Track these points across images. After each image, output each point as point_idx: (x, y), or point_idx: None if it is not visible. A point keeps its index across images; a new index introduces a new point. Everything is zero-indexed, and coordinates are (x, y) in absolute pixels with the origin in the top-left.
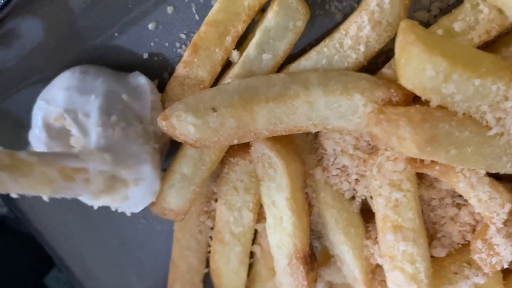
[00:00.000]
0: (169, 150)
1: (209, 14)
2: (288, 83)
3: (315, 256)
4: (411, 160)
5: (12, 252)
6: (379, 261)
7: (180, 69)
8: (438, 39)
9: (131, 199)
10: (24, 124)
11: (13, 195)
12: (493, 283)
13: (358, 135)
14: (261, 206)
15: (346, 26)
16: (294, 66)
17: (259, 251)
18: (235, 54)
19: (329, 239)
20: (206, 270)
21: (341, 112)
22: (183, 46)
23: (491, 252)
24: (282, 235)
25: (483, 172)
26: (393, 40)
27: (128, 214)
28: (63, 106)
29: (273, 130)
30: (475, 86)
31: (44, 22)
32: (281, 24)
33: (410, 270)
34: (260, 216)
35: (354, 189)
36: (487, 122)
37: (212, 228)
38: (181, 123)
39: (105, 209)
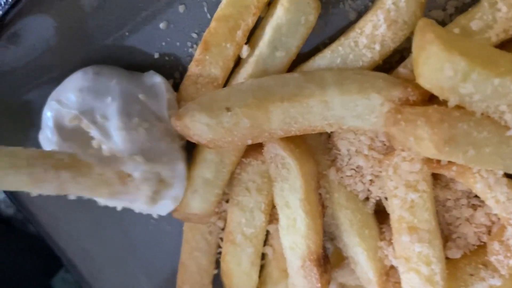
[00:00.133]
0: None
1: (218, 10)
2: (303, 82)
3: (328, 258)
4: (428, 161)
5: (18, 253)
6: (394, 263)
7: (192, 68)
8: (456, 38)
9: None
10: (34, 125)
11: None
12: (509, 285)
13: (373, 135)
14: (273, 207)
15: (361, 25)
16: (308, 65)
17: (271, 253)
18: (245, 49)
19: (343, 240)
20: (215, 272)
21: (357, 111)
22: (195, 46)
23: (508, 254)
24: (296, 237)
25: (501, 172)
26: (408, 39)
27: (155, 216)
28: (78, 107)
29: (287, 130)
30: (494, 85)
31: (54, 21)
32: (293, 20)
33: (425, 271)
34: (272, 217)
35: (369, 190)
36: (505, 122)
37: (222, 229)
38: (195, 123)
39: (114, 210)
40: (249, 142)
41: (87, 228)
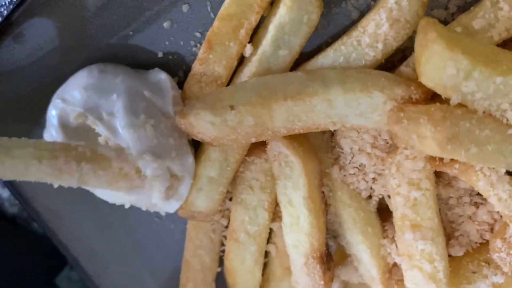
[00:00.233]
0: None
1: (222, 9)
2: (306, 81)
3: (331, 256)
4: (431, 159)
5: (23, 251)
6: (397, 260)
7: (196, 67)
8: (458, 37)
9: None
10: (39, 123)
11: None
12: None
13: (376, 133)
14: (276, 205)
15: (364, 24)
16: (311, 64)
17: (274, 251)
18: (248, 48)
19: (346, 238)
20: (219, 269)
21: (360, 110)
22: (198, 45)
23: (511, 251)
24: (299, 234)
25: (503, 170)
26: (410, 38)
27: (163, 214)
28: (83, 105)
29: (291, 128)
30: (496, 84)
31: (59, 21)
32: (296, 18)
33: (428, 269)
34: (275, 215)
35: (371, 188)
36: (507, 120)
37: (226, 227)
38: (199, 121)
39: (118, 208)
40: (253, 140)
41: (92, 226)
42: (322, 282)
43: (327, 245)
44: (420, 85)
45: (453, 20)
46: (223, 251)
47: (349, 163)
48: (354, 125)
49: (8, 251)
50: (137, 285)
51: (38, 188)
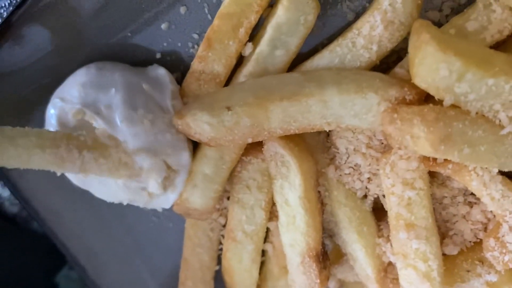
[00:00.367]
0: None
1: (221, 7)
2: (302, 82)
3: (327, 255)
4: (424, 159)
5: (22, 250)
6: (392, 259)
7: (195, 65)
8: (451, 39)
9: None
10: (38, 123)
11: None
12: (505, 281)
13: (371, 134)
14: (273, 205)
15: (359, 25)
16: (307, 65)
17: (271, 250)
18: (248, 47)
19: (342, 237)
20: (217, 268)
21: (355, 110)
22: (196, 46)
23: (504, 250)
24: (295, 234)
25: (496, 170)
26: (405, 39)
27: (160, 209)
28: (81, 102)
29: (287, 128)
30: (488, 85)
31: (58, 22)
32: (292, 19)
33: (422, 268)
34: (272, 214)
35: (367, 188)
36: (500, 121)
37: (224, 226)
38: (196, 122)
39: (117, 208)
40: (250, 140)
41: (91, 225)
42: (318, 280)
43: (323, 244)
44: (414, 87)
45: (447, 22)
46: (222, 249)
47: (345, 163)
48: (349, 125)
49: (8, 250)
50: (136, 284)
51: (37, 188)
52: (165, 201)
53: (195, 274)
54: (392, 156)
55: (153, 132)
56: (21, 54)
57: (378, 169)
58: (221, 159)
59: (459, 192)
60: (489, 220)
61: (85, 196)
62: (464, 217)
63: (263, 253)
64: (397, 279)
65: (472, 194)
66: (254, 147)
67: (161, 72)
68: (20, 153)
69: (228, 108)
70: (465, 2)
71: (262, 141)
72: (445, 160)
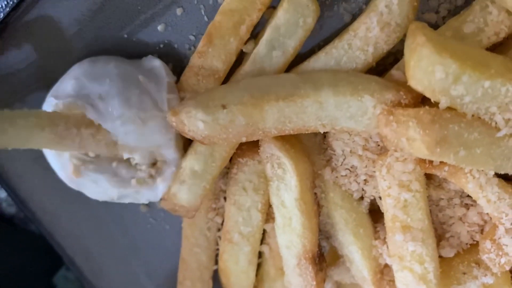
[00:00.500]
0: None
1: (224, 3)
2: (298, 82)
3: (324, 256)
4: (420, 161)
5: (20, 251)
6: (388, 261)
7: (194, 60)
8: (447, 41)
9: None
10: None
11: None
12: (501, 283)
13: (367, 136)
14: (269, 206)
15: (355, 27)
16: (303, 67)
17: (268, 251)
18: (249, 44)
19: (338, 239)
20: (215, 267)
21: (350, 113)
22: (192, 48)
23: (500, 252)
24: (291, 236)
25: (492, 173)
26: (401, 41)
27: (145, 202)
28: (74, 94)
29: (282, 129)
30: (484, 87)
31: (54, 24)
32: (291, 21)
33: (419, 270)
34: (268, 216)
35: (363, 190)
36: (496, 123)
37: (222, 224)
38: (190, 120)
39: (114, 209)
40: (244, 139)
41: (88, 227)
42: (315, 282)
43: (319, 246)
44: (410, 90)
45: (444, 23)
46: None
47: (341, 165)
48: (344, 127)
49: (6, 251)
50: (133, 285)
51: (34, 189)
52: (153, 192)
53: (193, 273)
54: (388, 158)
55: (144, 131)
56: (17, 55)
57: (374, 171)
58: (211, 156)
59: (456, 194)
60: (485, 222)
61: (82, 197)
62: (460, 219)
63: (260, 254)
64: (393, 281)
65: (468, 196)
66: (251, 149)
67: (156, 63)
68: (19, 133)
69: (223, 107)
70: (462, 4)
71: (258, 143)
72: (441, 162)
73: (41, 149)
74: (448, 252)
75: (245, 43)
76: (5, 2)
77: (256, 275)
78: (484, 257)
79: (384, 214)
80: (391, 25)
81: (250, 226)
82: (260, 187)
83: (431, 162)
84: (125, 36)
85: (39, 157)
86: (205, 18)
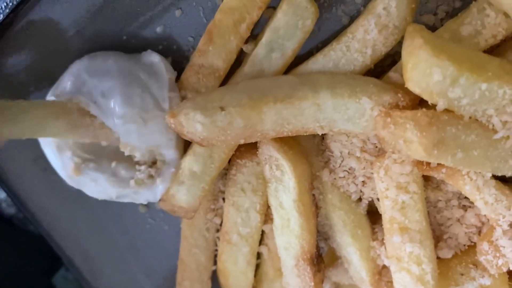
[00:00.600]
0: None
1: (224, 1)
2: (296, 84)
3: (322, 257)
4: (418, 163)
5: (20, 252)
6: (386, 262)
7: (195, 58)
8: (445, 43)
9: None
10: None
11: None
12: (499, 284)
13: (365, 137)
14: (268, 208)
15: (353, 30)
16: (301, 69)
17: (266, 252)
18: (250, 44)
19: (336, 240)
20: (214, 268)
21: (348, 115)
22: (191, 49)
23: (497, 254)
24: (290, 237)
25: (489, 175)
26: (399, 43)
27: (144, 202)
28: (75, 90)
29: (280, 131)
30: (481, 90)
31: (53, 25)
32: (290, 23)
33: (416, 271)
34: (267, 217)
35: (361, 191)
36: (493, 125)
37: (220, 225)
38: (189, 121)
39: (113, 209)
40: (242, 141)
41: (87, 227)
42: (313, 283)
43: (318, 247)
44: (408, 92)
45: (442, 25)
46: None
47: (339, 167)
48: (342, 129)
49: (5, 251)
50: (131, 286)
51: (33, 190)
52: (153, 193)
53: (192, 274)
54: (386, 160)
55: (145, 131)
56: (17, 56)
57: (372, 173)
58: (210, 158)
59: (454, 195)
60: (483, 223)
61: (81, 198)
62: (458, 220)
63: (259, 255)
64: (391, 282)
65: (466, 198)
66: (249, 150)
67: (155, 59)
68: (34, 123)
69: (222, 109)
70: (460, 6)
71: (257, 144)
72: (439, 164)
73: (43, 147)
74: (446, 253)
75: (246, 42)
76: (5, 4)
77: (255, 275)
78: (482, 258)
79: (382, 215)
80: (389, 28)
81: (249, 227)
82: (258, 188)
83: (428, 164)
84: (124, 37)
85: (38, 157)
86: (204, 20)
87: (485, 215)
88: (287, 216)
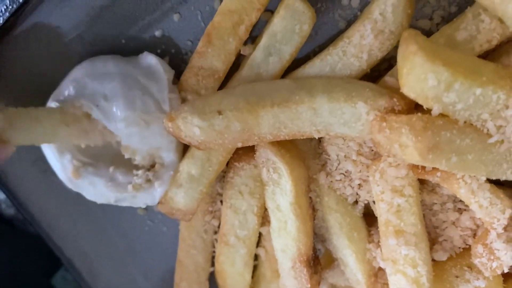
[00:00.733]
0: None
1: (223, 4)
2: (293, 88)
3: (319, 259)
4: (413, 167)
5: (19, 252)
6: (382, 265)
7: (194, 60)
8: (439, 49)
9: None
10: None
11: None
12: (493, 287)
13: (361, 141)
14: (265, 210)
15: (349, 34)
16: (298, 73)
17: (264, 254)
18: (248, 47)
19: (333, 242)
20: (212, 269)
21: (344, 119)
22: (189, 53)
23: (492, 257)
24: (287, 239)
25: (483, 178)
26: (395, 47)
27: (143, 206)
28: (77, 95)
29: (277, 134)
30: (476, 95)
31: (52, 29)
32: (288, 27)
33: (412, 274)
34: (264, 219)
35: (357, 194)
36: (487, 130)
37: (218, 227)
38: (187, 125)
39: (112, 211)
40: (240, 145)
41: (86, 229)
42: (309, 285)
43: (314, 249)
44: (403, 97)
45: (438, 30)
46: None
47: (336, 170)
48: (338, 133)
49: (5, 252)
50: (130, 287)
51: (32, 192)
52: (151, 196)
53: (190, 275)
54: (382, 164)
55: (147, 134)
56: (16, 60)
57: (368, 176)
58: (208, 161)
59: (449, 198)
60: (478, 226)
61: (80, 199)
62: (453, 223)
63: (256, 257)
64: (387, 284)
65: (461, 201)
66: (247, 153)
67: (152, 61)
68: (46, 130)
69: (219, 112)
70: (456, 11)
71: (254, 147)
72: (434, 168)
73: (43, 149)
74: (441, 256)
75: (244, 43)
76: (4, 7)
77: (252, 277)
78: (476, 261)
79: (378, 218)
80: (385, 33)
81: (246, 229)
82: (256, 191)
83: (423, 167)
84: (123, 41)
85: (38, 159)
86: (202, 24)
87: (480, 218)
88: (284, 219)
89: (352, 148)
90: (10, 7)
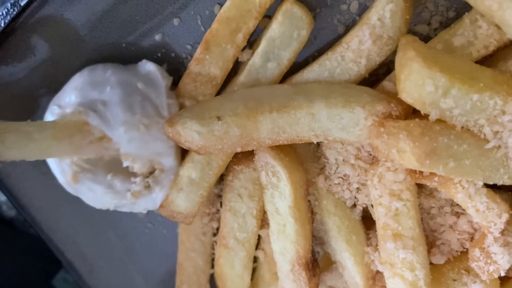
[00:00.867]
0: None
1: (221, 11)
2: (292, 94)
3: (317, 262)
4: (411, 171)
5: (20, 254)
6: (380, 268)
7: (192, 66)
8: (437, 55)
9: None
10: None
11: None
12: None
13: (360, 145)
14: (264, 213)
15: (347, 40)
16: (297, 78)
17: (263, 256)
18: (246, 53)
19: (331, 245)
20: (211, 271)
21: (342, 124)
22: (189, 57)
23: (489, 261)
24: (285, 242)
25: (480, 183)
26: (394, 52)
27: (144, 211)
28: (77, 103)
29: (275, 139)
30: (473, 100)
31: (54, 33)
32: (286, 33)
33: (409, 277)
34: (263, 222)
35: (356, 197)
36: (485, 135)
37: (217, 229)
38: (186, 130)
39: (112, 214)
40: (239, 149)
41: (86, 231)
42: None
43: (313, 252)
44: (401, 102)
45: (436, 35)
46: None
47: (334, 173)
48: (336, 138)
49: (5, 253)
50: None
51: (33, 193)
52: (152, 201)
53: (190, 278)
54: (380, 168)
55: (147, 138)
56: (18, 64)
57: (366, 180)
58: (208, 165)
59: (446, 202)
60: (475, 230)
61: (80, 202)
62: (451, 227)
63: (255, 259)
64: (385, 287)
65: (458, 204)
66: (246, 157)
67: (151, 68)
68: (38, 146)
69: (218, 118)
70: (454, 16)
71: (253, 151)
72: (431, 173)
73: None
74: (439, 259)
75: (242, 50)
76: (6, 10)
77: (252, 279)
78: (473, 265)
79: (376, 222)
80: (383, 38)
81: (245, 232)
82: (255, 194)
83: (421, 172)
84: (124, 45)
85: (39, 162)
86: (202, 28)
87: (477, 222)
88: (283, 222)
89: (350, 152)
90: (12, 10)
